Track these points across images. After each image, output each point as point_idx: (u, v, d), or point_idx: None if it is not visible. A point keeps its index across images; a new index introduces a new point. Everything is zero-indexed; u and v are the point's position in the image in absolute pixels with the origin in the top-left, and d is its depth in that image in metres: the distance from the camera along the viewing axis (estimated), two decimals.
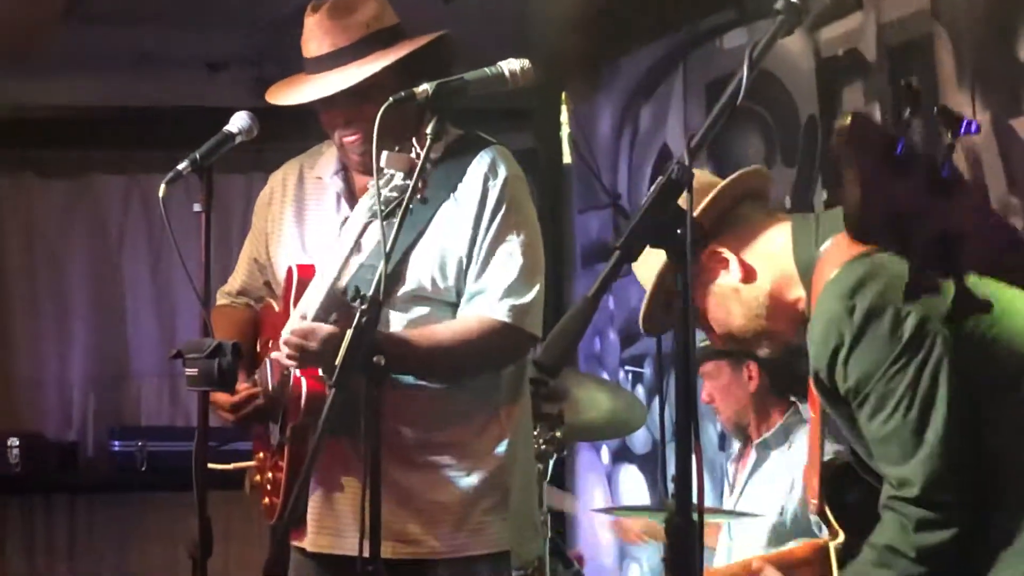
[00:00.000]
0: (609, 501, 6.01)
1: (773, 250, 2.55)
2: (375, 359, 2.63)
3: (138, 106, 6.27)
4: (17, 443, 6.28)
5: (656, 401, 5.39)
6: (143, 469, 6.15)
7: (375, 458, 2.61)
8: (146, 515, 6.37)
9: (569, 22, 5.24)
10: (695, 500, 2.00)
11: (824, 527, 2.69)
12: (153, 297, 6.67)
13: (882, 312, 2.40)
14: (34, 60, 5.82)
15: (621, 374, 5.98)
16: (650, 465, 5.72)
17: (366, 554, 2.59)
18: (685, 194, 2.06)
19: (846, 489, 2.63)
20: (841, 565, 2.59)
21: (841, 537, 2.60)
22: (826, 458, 2.71)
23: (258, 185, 5.00)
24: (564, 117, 5.46)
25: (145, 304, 6.66)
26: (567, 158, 5.54)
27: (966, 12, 4.45)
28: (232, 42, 5.78)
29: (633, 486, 5.92)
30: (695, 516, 2.02)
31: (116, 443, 6.25)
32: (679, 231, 2.04)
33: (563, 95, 5.41)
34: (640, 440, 5.77)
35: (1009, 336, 2.43)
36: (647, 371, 5.80)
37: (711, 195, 2.56)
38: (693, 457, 2.01)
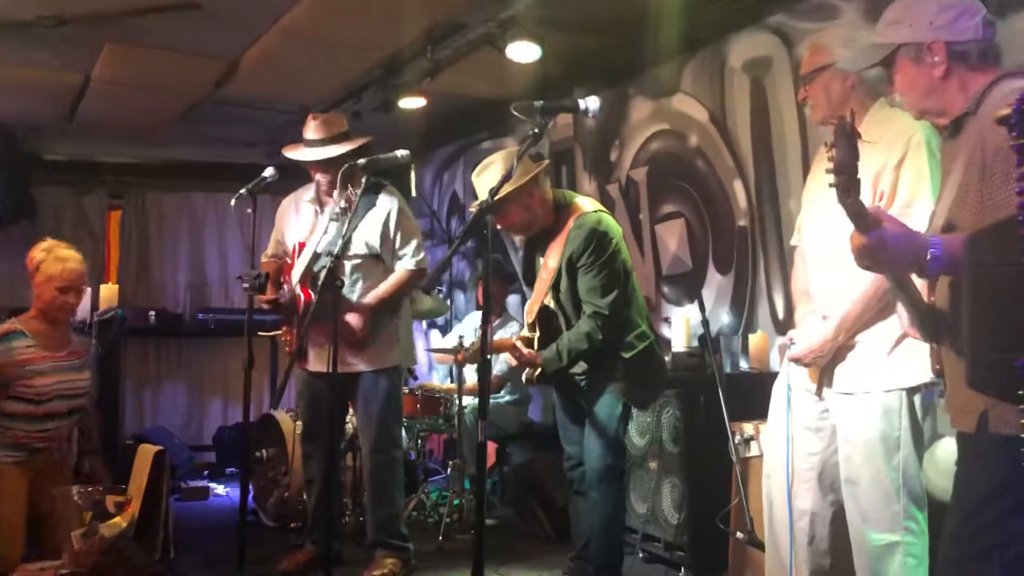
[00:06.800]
0: (426, 345, 5.87)
1: None
2: (336, 282, 2.58)
3: (209, 162, 5.93)
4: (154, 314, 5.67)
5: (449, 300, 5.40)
6: (212, 327, 5.72)
7: (336, 328, 2.54)
8: (209, 351, 5.96)
9: (410, 134, 5.10)
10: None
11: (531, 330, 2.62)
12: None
13: (606, 234, 2.53)
14: (158, 139, 5.43)
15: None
16: (447, 330, 5.60)
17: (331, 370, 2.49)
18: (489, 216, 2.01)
19: (550, 318, 2.62)
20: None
21: (538, 333, 2.58)
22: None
23: (265, 202, 4.70)
24: (412, 175, 5.43)
25: (206, 259, 6.13)
26: (413, 192, 5.50)
27: (589, 138, 4.65)
28: (259, 132, 5.43)
29: (437, 338, 5.79)
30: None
31: (200, 315, 5.76)
32: (485, 232, 2.02)
33: (411, 165, 5.37)
34: (441, 319, 5.72)
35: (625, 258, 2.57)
36: (444, 289, 5.71)
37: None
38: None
